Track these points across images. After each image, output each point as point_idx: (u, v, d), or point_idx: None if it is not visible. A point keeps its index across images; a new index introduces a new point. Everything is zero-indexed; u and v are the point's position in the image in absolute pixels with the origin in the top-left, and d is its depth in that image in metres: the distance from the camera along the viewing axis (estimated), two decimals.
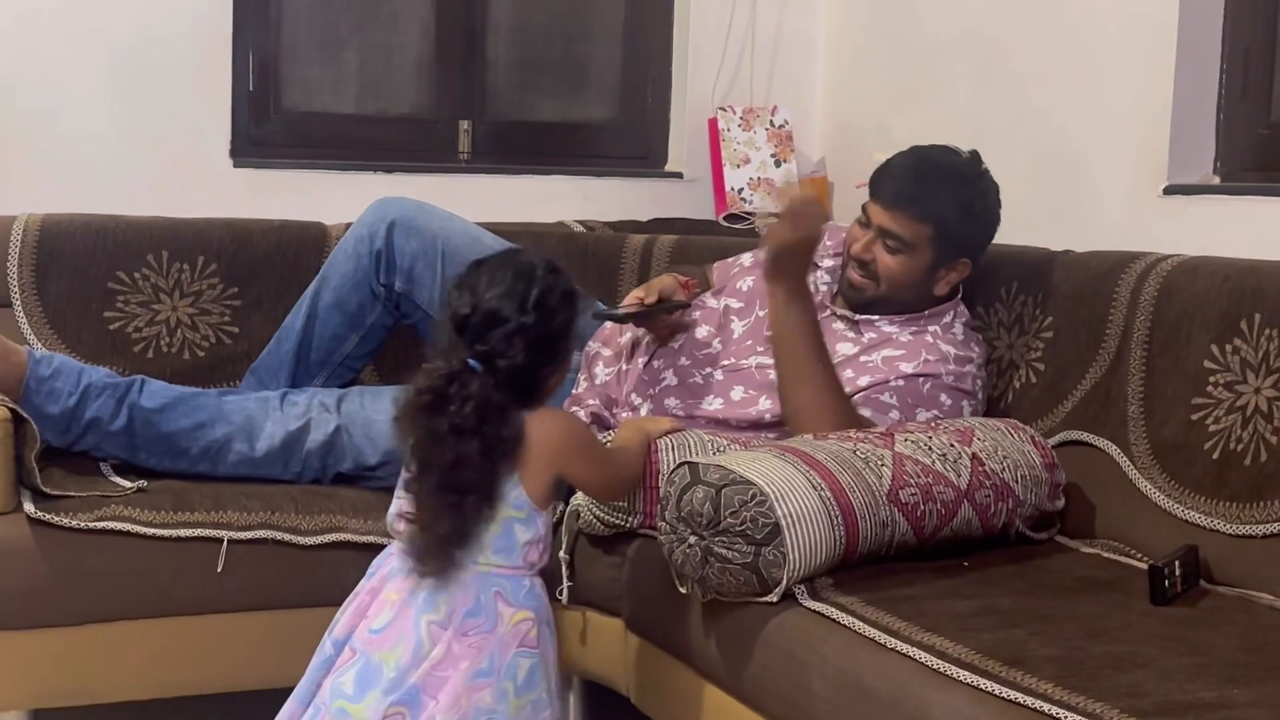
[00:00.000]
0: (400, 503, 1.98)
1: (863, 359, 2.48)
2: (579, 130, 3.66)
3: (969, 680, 1.66)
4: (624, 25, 3.66)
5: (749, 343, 2.55)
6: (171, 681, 2.35)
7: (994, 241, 2.55)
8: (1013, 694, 1.61)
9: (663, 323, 2.59)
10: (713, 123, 3.52)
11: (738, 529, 1.93)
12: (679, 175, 3.58)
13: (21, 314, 2.71)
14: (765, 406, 2.44)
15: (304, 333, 2.68)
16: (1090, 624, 1.86)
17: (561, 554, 2.30)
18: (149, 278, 2.79)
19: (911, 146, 2.56)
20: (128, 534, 2.25)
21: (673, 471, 2.05)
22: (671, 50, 3.64)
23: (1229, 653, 1.76)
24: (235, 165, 3.24)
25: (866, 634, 1.82)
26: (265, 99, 3.34)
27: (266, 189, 3.22)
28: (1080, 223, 2.82)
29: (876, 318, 2.53)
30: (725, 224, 3.41)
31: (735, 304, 2.65)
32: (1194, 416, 2.22)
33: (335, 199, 3.06)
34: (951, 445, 2.16)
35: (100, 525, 2.24)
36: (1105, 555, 2.23)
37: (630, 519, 2.26)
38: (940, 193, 2.46)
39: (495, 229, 2.80)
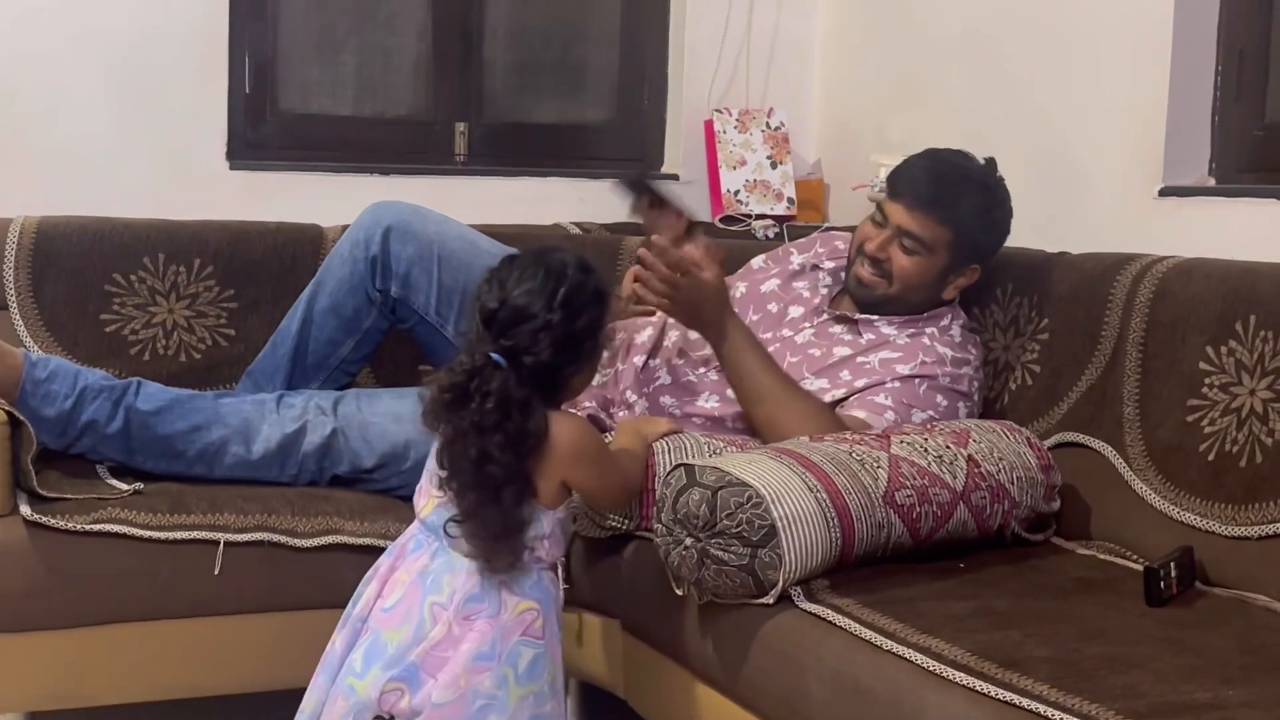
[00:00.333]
0: (427, 485, 2.00)
1: (859, 360, 2.49)
2: (575, 132, 3.66)
3: (965, 682, 1.66)
4: (620, 27, 3.66)
5: None
6: (168, 684, 2.34)
7: None
8: (1009, 695, 1.62)
9: (672, 222, 2.53)
10: (709, 124, 3.52)
11: (734, 531, 1.93)
12: (675, 177, 3.58)
13: (18, 316, 2.71)
14: None
15: (299, 337, 2.68)
16: (1086, 625, 1.86)
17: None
18: (145, 280, 2.79)
19: (928, 149, 2.57)
20: (124, 536, 2.25)
21: (669, 474, 2.05)
22: (668, 52, 3.64)
23: (1224, 654, 1.77)
24: (232, 167, 3.24)
25: (863, 635, 1.82)
26: (262, 101, 3.34)
27: (263, 191, 3.22)
28: (1076, 224, 2.82)
29: (876, 318, 2.54)
30: (721, 226, 3.41)
31: None
32: (1189, 418, 2.22)
33: (332, 201, 3.06)
34: (947, 447, 2.17)
35: (96, 528, 2.24)
36: (1101, 557, 2.23)
37: (626, 521, 2.26)
38: (963, 198, 2.48)
39: (491, 231, 2.80)
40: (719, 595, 1.98)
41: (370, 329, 2.70)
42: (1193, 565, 2.08)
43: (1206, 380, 2.22)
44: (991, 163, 2.54)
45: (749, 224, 3.41)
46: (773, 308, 2.65)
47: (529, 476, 1.94)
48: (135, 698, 2.34)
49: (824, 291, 2.64)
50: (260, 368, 2.70)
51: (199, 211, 2.94)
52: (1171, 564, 2.01)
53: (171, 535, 2.27)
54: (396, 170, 3.36)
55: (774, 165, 3.51)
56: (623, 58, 3.66)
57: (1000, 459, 2.21)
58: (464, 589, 1.94)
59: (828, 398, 2.44)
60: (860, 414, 2.38)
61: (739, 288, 2.71)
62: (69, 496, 2.28)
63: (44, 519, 2.22)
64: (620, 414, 2.56)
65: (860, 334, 2.54)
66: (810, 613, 1.92)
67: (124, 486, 2.35)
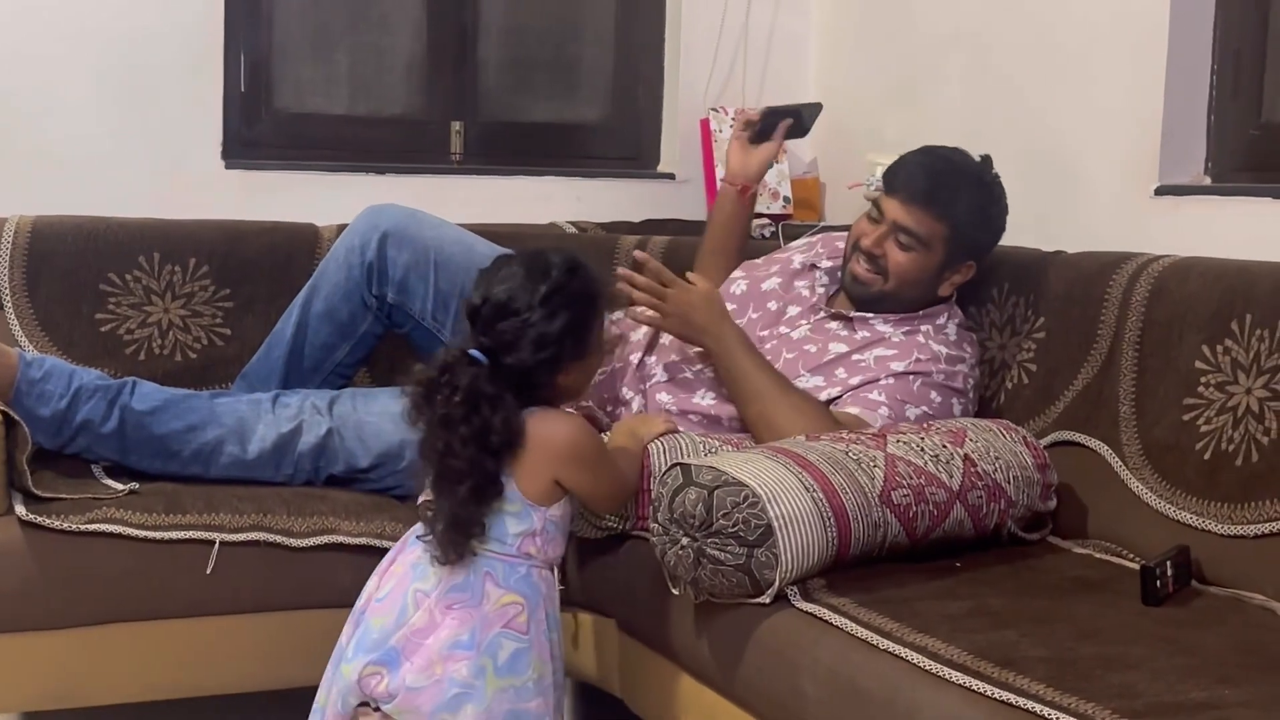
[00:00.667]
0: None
1: (855, 357, 2.49)
2: (571, 131, 3.66)
3: (961, 681, 1.66)
4: (616, 26, 3.66)
5: None
6: (163, 684, 2.34)
7: None
8: (1005, 695, 1.61)
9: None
10: (705, 123, 3.52)
11: (730, 530, 1.93)
12: (671, 176, 3.58)
13: (13, 316, 2.71)
14: None
15: (294, 341, 2.68)
16: (1082, 624, 1.86)
17: None
18: (140, 280, 2.78)
19: (924, 146, 2.57)
20: (119, 536, 2.24)
21: (665, 473, 2.05)
22: (663, 51, 3.64)
23: (1220, 653, 1.77)
24: (227, 166, 3.24)
25: (859, 635, 1.82)
26: (257, 100, 3.34)
27: (258, 190, 3.22)
28: (1072, 223, 2.82)
29: (872, 316, 2.54)
30: None
31: (729, 306, 2.65)
32: (1185, 417, 2.22)
33: (327, 200, 3.06)
34: (944, 446, 2.17)
35: (92, 527, 2.23)
36: (1097, 556, 2.23)
37: (622, 521, 2.26)
38: (960, 194, 2.49)
39: (487, 230, 2.80)
40: (715, 595, 1.98)
41: (366, 333, 2.70)
42: (1189, 564, 2.08)
43: (1202, 379, 2.22)
44: (987, 159, 2.54)
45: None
46: (772, 306, 2.65)
47: (493, 474, 1.94)
48: (130, 698, 2.34)
49: (821, 290, 2.64)
50: (254, 371, 2.70)
51: (194, 211, 2.93)
52: (1168, 563, 2.01)
53: (167, 535, 2.27)
54: (392, 169, 3.35)
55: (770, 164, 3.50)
56: (618, 56, 3.66)
57: (997, 458, 2.21)
58: (449, 578, 1.95)
59: (823, 395, 2.44)
60: (854, 411, 2.39)
61: (739, 283, 2.72)
62: (64, 496, 2.27)
63: (39, 519, 2.21)
64: (619, 412, 2.56)
65: (856, 331, 2.54)
66: (806, 612, 1.92)
67: (119, 486, 2.35)
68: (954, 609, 1.89)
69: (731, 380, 2.40)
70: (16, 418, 2.26)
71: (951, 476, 2.13)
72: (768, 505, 1.93)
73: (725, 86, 3.58)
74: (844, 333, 2.54)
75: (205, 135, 3.21)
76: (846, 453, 2.08)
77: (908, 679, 1.71)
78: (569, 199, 3.44)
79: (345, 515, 2.38)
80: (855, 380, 2.44)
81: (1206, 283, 2.27)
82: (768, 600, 1.95)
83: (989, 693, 1.63)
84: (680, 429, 2.34)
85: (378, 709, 1.96)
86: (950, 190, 2.48)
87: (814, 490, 1.98)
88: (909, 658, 1.74)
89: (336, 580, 2.31)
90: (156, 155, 3.15)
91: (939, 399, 2.43)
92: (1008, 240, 2.61)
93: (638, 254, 2.45)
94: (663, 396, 2.53)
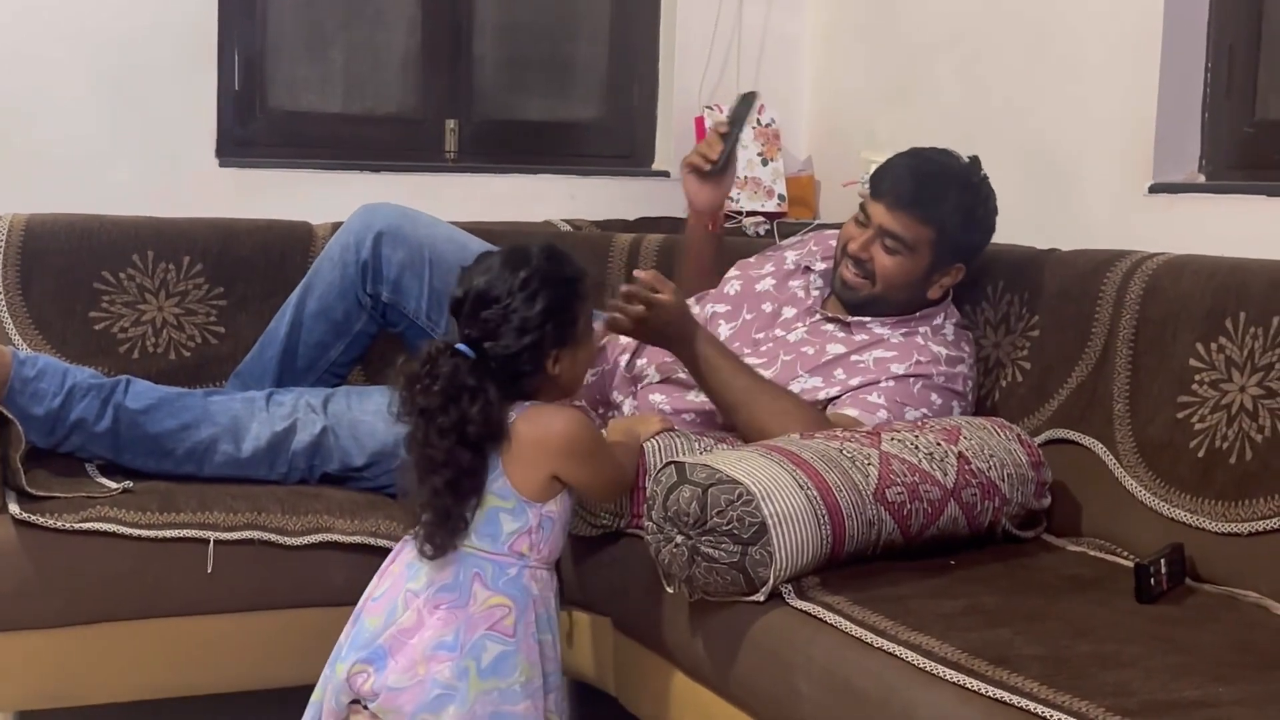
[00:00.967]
0: None
1: (853, 358, 2.48)
2: (566, 129, 3.65)
3: (955, 679, 1.66)
4: (610, 24, 3.66)
5: (736, 344, 2.54)
6: (158, 683, 2.34)
7: None
8: (999, 693, 1.62)
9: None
10: (699, 121, 3.52)
11: (724, 528, 1.93)
12: (665, 174, 3.58)
13: (6, 314, 2.70)
14: None
15: (288, 340, 2.68)
16: (1076, 622, 1.86)
17: None
18: (134, 278, 2.78)
19: (911, 148, 2.56)
20: (113, 535, 2.24)
21: (659, 471, 2.05)
22: (658, 49, 3.64)
23: (1214, 651, 1.77)
24: (221, 165, 3.24)
25: (853, 633, 1.82)
26: (251, 98, 3.33)
27: (252, 188, 3.22)
28: (1066, 221, 2.82)
29: (868, 319, 2.53)
30: None
31: (722, 308, 2.66)
32: (1179, 415, 2.23)
33: (321, 198, 3.06)
34: (938, 444, 2.17)
35: (86, 526, 2.23)
36: (1091, 553, 2.24)
37: (617, 519, 2.26)
38: (945, 197, 2.47)
39: (482, 228, 2.80)
40: (709, 593, 1.98)
41: (360, 333, 2.70)
42: (1183, 562, 2.08)
43: (1196, 377, 2.22)
44: (975, 160, 2.52)
45: (740, 221, 3.41)
46: (767, 307, 2.64)
47: (470, 467, 1.94)
48: (125, 697, 2.34)
49: (816, 293, 2.64)
50: (248, 370, 2.70)
51: (188, 209, 2.93)
52: (1162, 561, 2.01)
53: (161, 534, 2.27)
54: (386, 168, 3.35)
55: (765, 162, 3.50)
56: (613, 54, 3.66)
57: (991, 456, 2.21)
58: (438, 578, 1.96)
59: (821, 396, 2.44)
60: (853, 412, 2.38)
61: (733, 283, 2.71)
62: (58, 495, 2.27)
63: (33, 518, 2.21)
64: (610, 415, 2.56)
65: (853, 334, 2.53)
66: (801, 610, 1.91)
67: (113, 485, 2.35)
68: (948, 607, 1.89)
69: (711, 391, 2.39)
70: (10, 416, 2.26)
71: (946, 474, 2.13)
72: (762, 503, 1.93)
73: (719, 84, 3.58)
74: (841, 334, 2.54)
75: (199, 133, 3.21)
76: (841, 450, 2.08)
77: (902, 677, 1.72)
78: (563, 197, 3.44)
79: (340, 514, 2.37)
80: (854, 381, 2.44)
81: (1200, 280, 2.27)
82: (762, 598, 1.95)
83: (983, 691, 1.63)
84: (675, 427, 2.33)
85: (366, 707, 1.96)
86: (936, 193, 2.47)
87: (808, 488, 1.98)
88: (903, 656, 1.74)
89: (331, 579, 2.31)
90: (151, 153, 3.15)
91: (939, 401, 2.43)
92: (1001, 238, 2.60)
93: (638, 273, 2.42)
94: (656, 396, 2.53)
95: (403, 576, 1.99)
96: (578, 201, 3.44)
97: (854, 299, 2.54)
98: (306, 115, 3.41)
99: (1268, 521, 2.06)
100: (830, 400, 2.43)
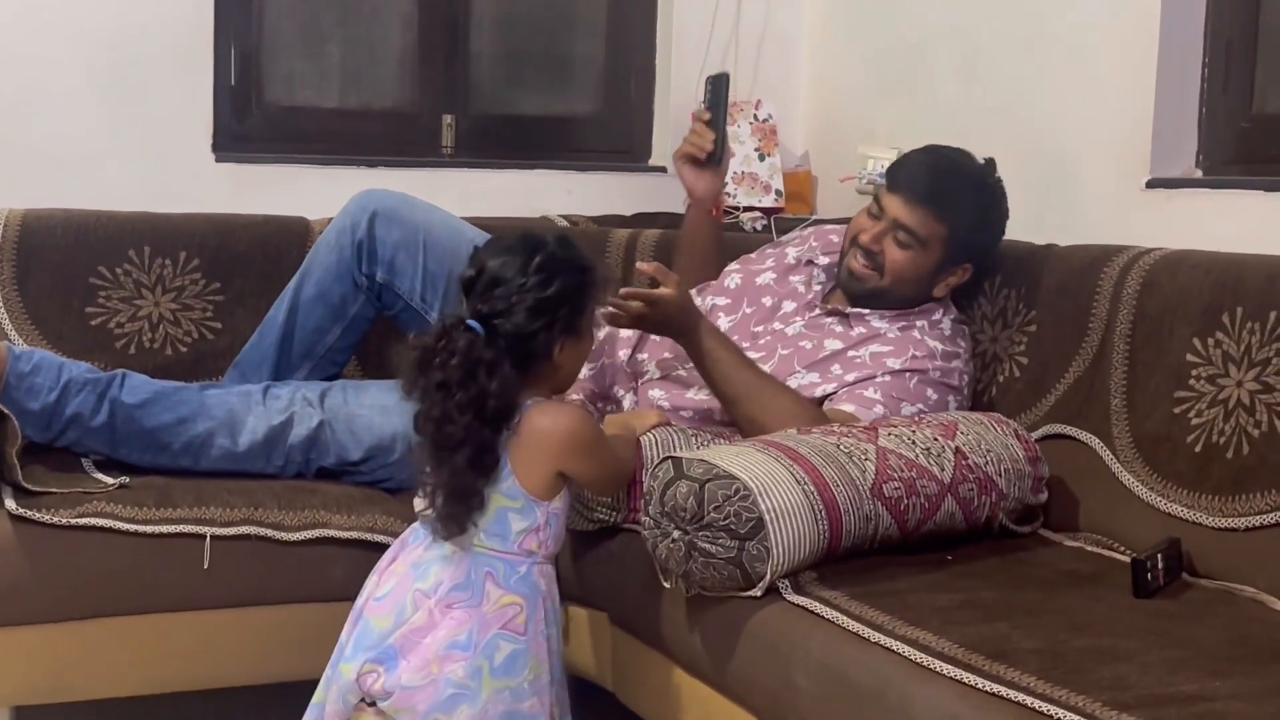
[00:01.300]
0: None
1: (850, 354, 2.49)
2: (562, 124, 3.65)
3: (952, 674, 1.66)
4: (607, 19, 3.65)
5: (735, 338, 2.54)
6: (154, 678, 2.34)
7: None
8: (996, 687, 1.62)
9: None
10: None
11: (721, 523, 1.93)
12: (662, 169, 3.58)
13: (3, 309, 2.70)
14: None
15: (286, 325, 2.68)
16: (1073, 617, 1.86)
17: None
18: (131, 273, 2.77)
19: (928, 145, 2.57)
20: (110, 530, 2.24)
21: (656, 466, 2.05)
22: (655, 44, 3.63)
23: (1211, 645, 1.77)
24: (217, 160, 3.23)
25: (850, 628, 1.82)
26: (247, 93, 3.33)
27: (249, 184, 3.21)
28: (1063, 216, 2.82)
29: (868, 312, 2.53)
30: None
31: (722, 301, 2.66)
32: (1176, 410, 2.23)
33: (318, 193, 3.05)
34: (935, 439, 2.17)
35: (82, 522, 2.23)
36: (1088, 548, 2.24)
37: (614, 514, 2.26)
38: (961, 196, 2.48)
39: (478, 223, 2.79)
40: (706, 588, 1.98)
41: (357, 316, 2.70)
42: (1180, 557, 2.08)
43: (1194, 372, 2.22)
44: (990, 163, 2.54)
45: (737, 216, 3.41)
46: (767, 301, 2.64)
47: (489, 444, 1.93)
48: (121, 692, 2.34)
49: (817, 287, 2.64)
50: (247, 358, 2.70)
51: (185, 204, 2.93)
52: (1159, 555, 2.01)
53: (157, 529, 2.27)
54: (383, 162, 3.35)
55: (762, 157, 3.50)
56: (610, 49, 3.66)
57: (988, 451, 2.21)
58: (450, 578, 1.95)
59: (817, 391, 2.44)
60: (849, 408, 2.38)
61: (733, 277, 2.71)
62: (54, 490, 2.27)
63: (29, 513, 2.21)
64: (610, 410, 2.56)
65: (851, 327, 2.53)
66: (798, 605, 1.91)
67: (109, 480, 2.34)
68: (945, 602, 1.89)
69: (714, 383, 2.39)
70: (6, 411, 2.26)
71: (943, 469, 2.13)
72: (759, 498, 1.93)
73: None
74: (839, 329, 2.54)
75: (195, 129, 3.21)
76: (838, 446, 2.08)
77: (899, 672, 1.72)
78: (560, 192, 3.44)
79: (336, 509, 2.37)
80: (851, 377, 2.44)
81: (1198, 276, 2.27)
82: (759, 593, 1.95)
83: (980, 685, 1.63)
84: (672, 422, 2.33)
85: (373, 704, 1.96)
86: (953, 192, 2.48)
87: (805, 483, 1.98)
88: (900, 650, 1.74)
89: (328, 574, 2.31)
90: (147, 149, 3.15)
91: (935, 396, 2.43)
92: None
93: (641, 266, 2.42)
94: (655, 392, 2.53)
95: (409, 576, 1.97)
96: (575, 196, 3.44)
97: (860, 290, 2.54)
98: (303, 110, 3.41)
99: (1264, 516, 2.06)
100: (827, 396, 2.43)
